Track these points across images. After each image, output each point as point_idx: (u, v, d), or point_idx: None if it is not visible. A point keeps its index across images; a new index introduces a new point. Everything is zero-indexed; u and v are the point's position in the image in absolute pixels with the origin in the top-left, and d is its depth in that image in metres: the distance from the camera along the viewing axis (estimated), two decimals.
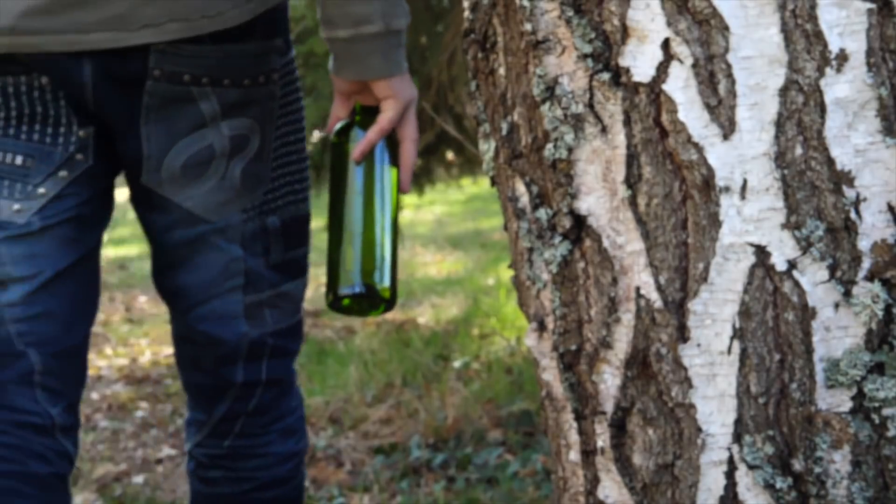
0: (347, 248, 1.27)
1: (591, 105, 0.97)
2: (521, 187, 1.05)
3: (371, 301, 1.28)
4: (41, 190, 1.20)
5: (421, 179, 3.74)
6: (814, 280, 0.93)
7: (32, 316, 1.20)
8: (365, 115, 1.30)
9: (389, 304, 1.28)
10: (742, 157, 0.93)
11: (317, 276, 6.06)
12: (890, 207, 0.93)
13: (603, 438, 1.01)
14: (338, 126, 1.32)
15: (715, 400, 0.96)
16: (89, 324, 1.29)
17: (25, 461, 1.18)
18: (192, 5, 1.16)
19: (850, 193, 0.93)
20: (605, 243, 0.98)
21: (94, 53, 1.16)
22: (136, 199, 1.30)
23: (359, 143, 1.27)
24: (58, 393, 1.22)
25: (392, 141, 1.29)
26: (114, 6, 1.14)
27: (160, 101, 1.20)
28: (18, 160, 1.19)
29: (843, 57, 0.92)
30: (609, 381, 1.00)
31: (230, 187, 1.26)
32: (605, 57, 0.96)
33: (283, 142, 1.31)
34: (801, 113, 0.92)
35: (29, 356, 1.19)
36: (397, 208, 1.30)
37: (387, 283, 1.27)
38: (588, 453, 1.03)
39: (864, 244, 0.93)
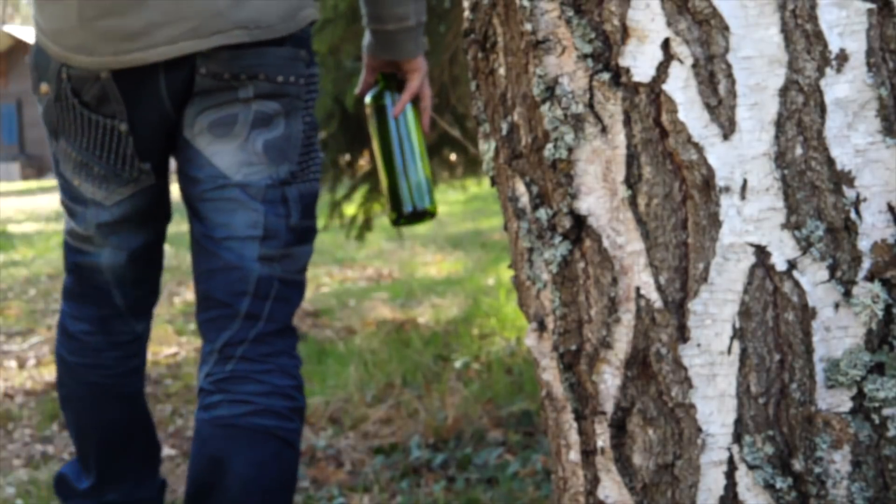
0: (398, 181, 1.72)
1: (591, 105, 0.97)
2: (521, 187, 1.05)
3: (420, 215, 1.74)
4: (119, 190, 1.63)
5: None
6: (814, 280, 0.93)
7: (123, 291, 1.72)
8: (388, 81, 1.76)
9: (433, 214, 1.75)
10: (742, 157, 0.93)
11: (316, 277, 6.02)
12: (890, 207, 0.93)
13: (603, 438, 1.01)
14: (372, 92, 1.77)
15: (715, 400, 0.96)
16: (157, 279, 1.79)
17: (126, 362, 1.76)
18: (250, 18, 1.50)
19: (850, 193, 0.93)
20: (605, 243, 0.98)
21: (165, 64, 1.51)
22: (180, 165, 1.62)
23: (397, 103, 1.74)
24: (137, 317, 1.76)
25: (414, 99, 1.76)
26: (191, 21, 1.48)
27: (206, 87, 1.54)
28: (102, 172, 1.61)
29: (843, 57, 0.92)
30: (609, 381, 1.00)
31: (252, 153, 1.55)
32: (605, 57, 0.96)
33: (306, 135, 1.61)
34: (801, 113, 0.92)
35: (116, 299, 1.72)
36: (424, 146, 1.76)
37: (427, 201, 1.73)
38: (588, 453, 1.03)
39: (864, 244, 0.93)
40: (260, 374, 1.56)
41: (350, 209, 3.81)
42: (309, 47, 1.60)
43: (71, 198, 1.68)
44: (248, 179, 1.54)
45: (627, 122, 0.96)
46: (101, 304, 1.73)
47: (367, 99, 1.76)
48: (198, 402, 1.60)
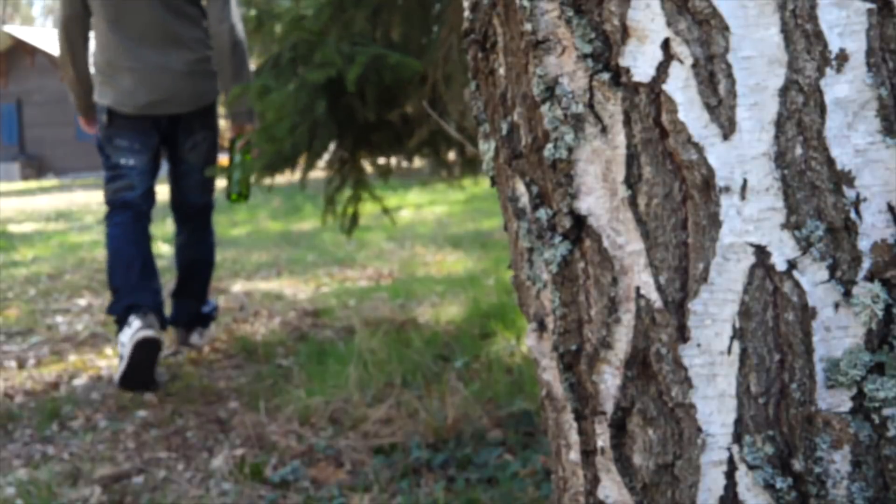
0: (232, 177, 3.61)
1: (591, 105, 0.97)
2: (521, 187, 1.05)
3: (240, 196, 3.65)
4: (144, 156, 3.61)
5: (411, 180, 3.83)
6: (814, 280, 0.93)
7: (143, 200, 3.62)
8: (240, 132, 3.72)
9: (246, 198, 3.68)
10: (742, 157, 0.93)
11: (316, 277, 5.98)
12: (890, 207, 0.93)
13: (603, 438, 1.01)
14: (233, 137, 3.74)
15: (715, 400, 0.96)
16: (153, 197, 3.73)
17: (142, 229, 3.67)
18: (207, 96, 3.70)
19: (850, 193, 0.93)
20: (605, 243, 0.98)
21: (168, 114, 3.68)
22: (171, 158, 3.79)
23: (240, 142, 3.65)
24: (148, 215, 3.68)
25: (248, 141, 3.58)
26: (180, 98, 3.63)
27: (184, 124, 3.72)
28: (137, 147, 3.61)
29: (843, 57, 0.92)
30: (609, 381, 1.00)
31: (202, 152, 3.75)
32: (605, 57, 0.96)
33: (214, 140, 3.83)
34: (801, 113, 0.92)
35: (142, 208, 3.63)
36: (251, 163, 3.39)
37: (241, 190, 3.64)
38: (588, 453, 1.03)
39: (864, 244, 0.93)
40: (200, 237, 3.83)
41: (341, 203, 3.82)
42: (215, 105, 3.75)
43: (118, 172, 3.56)
44: (198, 162, 3.72)
45: (627, 122, 0.96)
46: (133, 210, 3.55)
47: (229, 141, 3.68)
48: (175, 243, 3.94)
